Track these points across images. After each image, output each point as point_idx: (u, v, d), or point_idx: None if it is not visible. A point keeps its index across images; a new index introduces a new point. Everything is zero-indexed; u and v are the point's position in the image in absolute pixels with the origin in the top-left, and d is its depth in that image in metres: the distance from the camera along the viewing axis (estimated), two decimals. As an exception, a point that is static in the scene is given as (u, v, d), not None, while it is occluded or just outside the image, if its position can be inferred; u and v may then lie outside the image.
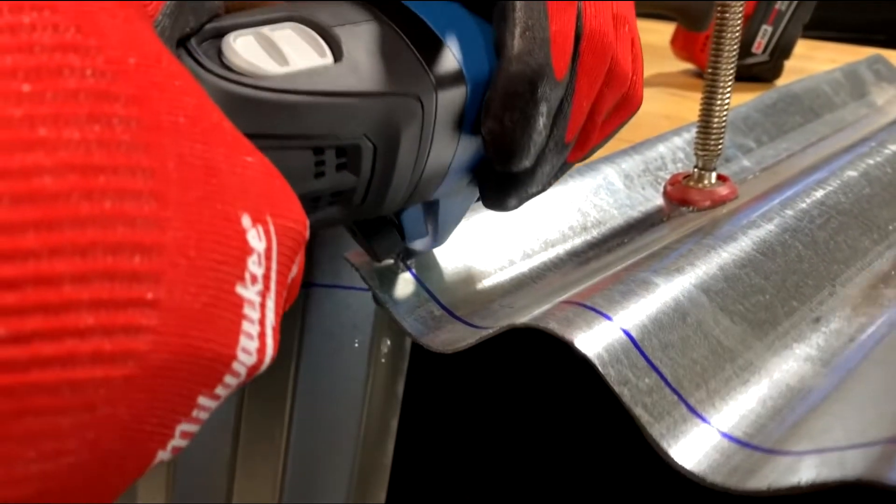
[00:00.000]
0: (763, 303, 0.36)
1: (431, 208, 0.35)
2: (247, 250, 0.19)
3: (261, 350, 0.20)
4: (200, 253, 0.17)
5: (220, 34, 0.25)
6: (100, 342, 0.15)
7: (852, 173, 0.47)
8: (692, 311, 0.34)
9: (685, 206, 0.48)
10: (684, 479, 0.29)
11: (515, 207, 0.35)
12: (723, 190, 0.49)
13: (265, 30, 0.26)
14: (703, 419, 0.30)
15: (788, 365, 0.34)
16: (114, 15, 0.17)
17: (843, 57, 0.82)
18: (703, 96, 0.48)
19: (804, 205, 0.43)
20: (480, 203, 0.35)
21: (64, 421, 0.15)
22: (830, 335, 0.36)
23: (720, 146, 0.49)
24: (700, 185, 0.49)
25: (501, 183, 0.33)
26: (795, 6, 0.86)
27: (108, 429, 0.16)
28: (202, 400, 0.19)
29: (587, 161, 0.41)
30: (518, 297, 0.40)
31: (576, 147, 0.34)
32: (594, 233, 0.46)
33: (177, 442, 0.19)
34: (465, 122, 0.30)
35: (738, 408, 0.31)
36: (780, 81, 0.83)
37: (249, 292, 0.19)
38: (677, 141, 0.55)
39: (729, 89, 0.48)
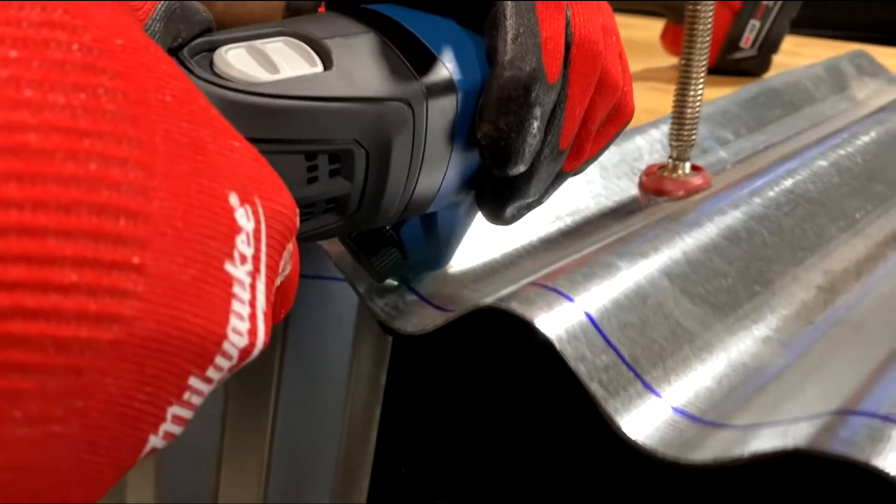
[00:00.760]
0: (725, 286, 0.37)
1: (430, 223, 0.35)
2: (235, 228, 0.19)
3: (252, 332, 0.19)
4: (187, 225, 0.17)
5: (213, 48, 0.26)
6: (84, 301, 0.15)
7: (822, 163, 0.48)
8: (653, 293, 0.35)
9: (660, 196, 0.49)
10: (640, 454, 0.30)
11: (513, 219, 0.35)
12: (697, 180, 0.50)
13: (257, 43, 0.26)
14: (658, 395, 0.31)
15: (746, 345, 0.35)
16: (101, 6, 0.18)
17: (830, 53, 0.83)
18: (676, 88, 0.49)
19: (772, 193, 0.44)
20: None
21: (49, 382, 0.15)
22: (790, 318, 0.37)
23: (693, 136, 0.49)
24: (674, 176, 0.50)
25: (499, 191, 0.34)
26: (782, 3, 0.87)
27: (96, 400, 0.16)
28: (193, 381, 0.18)
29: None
30: (490, 282, 0.41)
31: (571, 156, 0.35)
32: (567, 221, 0.47)
33: (169, 426, 0.18)
34: (459, 132, 0.31)
35: (694, 385, 0.32)
36: (768, 76, 0.84)
37: (239, 271, 0.19)
38: (655, 133, 0.56)
39: (702, 81, 0.49)
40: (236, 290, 0.19)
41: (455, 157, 0.31)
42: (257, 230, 0.20)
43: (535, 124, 0.30)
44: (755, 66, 0.89)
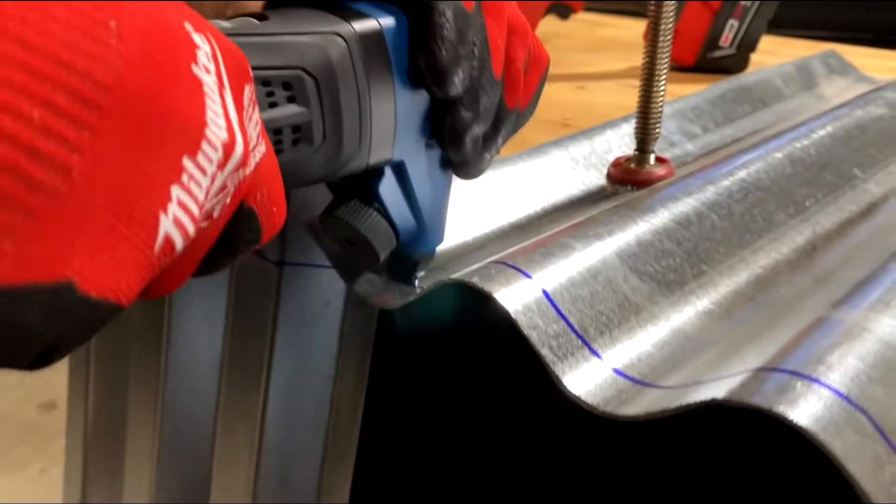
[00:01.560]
0: (673, 265, 0.40)
1: (402, 177, 0.38)
2: (193, 43, 0.21)
3: (229, 130, 0.22)
4: (154, 31, 0.20)
5: None
6: (67, 76, 0.18)
7: (777, 154, 0.51)
8: (604, 270, 0.38)
9: (624, 186, 0.53)
10: (585, 411, 0.33)
11: (476, 157, 0.38)
12: (661, 170, 0.53)
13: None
14: (601, 358, 0.34)
15: (689, 317, 0.38)
16: None
17: (807, 52, 0.86)
18: (641, 83, 0.53)
19: (726, 182, 0.47)
20: None
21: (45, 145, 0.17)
22: (734, 295, 0.41)
23: (657, 129, 0.53)
24: (640, 167, 0.53)
25: (452, 125, 0.37)
26: (759, 3, 0.91)
27: (100, 156, 0.18)
28: (188, 163, 0.20)
29: (538, 146, 0.45)
30: (460, 263, 0.44)
31: (508, 90, 0.38)
32: (537, 208, 0.50)
33: (176, 210, 0.20)
34: (396, 66, 0.35)
35: (636, 350, 0.36)
36: (741, 74, 0.87)
37: (206, 77, 0.21)
38: (625, 128, 0.59)
39: (664, 76, 0.52)
40: (207, 91, 0.21)
41: (400, 90, 0.35)
42: (213, 53, 0.22)
43: (463, 47, 0.35)
44: (734, 63, 0.92)
